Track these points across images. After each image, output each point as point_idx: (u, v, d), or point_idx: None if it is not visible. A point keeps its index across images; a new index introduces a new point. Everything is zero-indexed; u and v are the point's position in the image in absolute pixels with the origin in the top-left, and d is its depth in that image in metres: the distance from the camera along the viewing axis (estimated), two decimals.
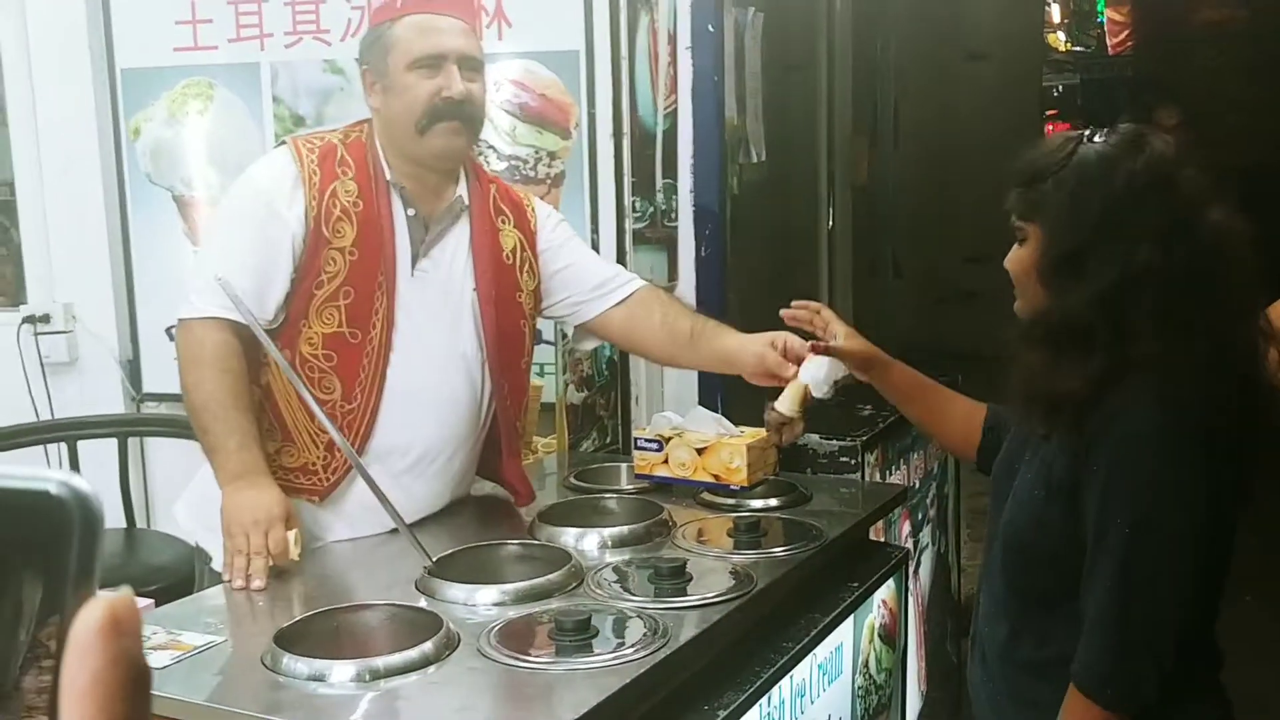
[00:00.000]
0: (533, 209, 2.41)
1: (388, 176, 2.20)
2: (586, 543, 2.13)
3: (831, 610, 2.10)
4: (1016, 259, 1.77)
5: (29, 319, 3.63)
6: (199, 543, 2.29)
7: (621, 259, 3.19)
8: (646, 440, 2.46)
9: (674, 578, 1.90)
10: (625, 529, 2.17)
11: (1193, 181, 1.65)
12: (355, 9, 3.29)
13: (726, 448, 2.37)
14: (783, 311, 2.24)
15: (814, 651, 2.02)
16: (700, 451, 2.39)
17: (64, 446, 3.31)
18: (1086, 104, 9.20)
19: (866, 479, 3.04)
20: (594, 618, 1.71)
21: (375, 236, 2.16)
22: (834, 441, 3.04)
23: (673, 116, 3.39)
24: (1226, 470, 1.64)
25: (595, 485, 2.53)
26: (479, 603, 1.86)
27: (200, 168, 3.56)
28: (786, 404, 2.19)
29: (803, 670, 1.98)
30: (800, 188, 5.15)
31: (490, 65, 3.23)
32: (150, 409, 3.62)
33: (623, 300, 2.41)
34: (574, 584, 1.92)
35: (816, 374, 2.17)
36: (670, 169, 3.40)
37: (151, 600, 2.01)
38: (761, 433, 2.41)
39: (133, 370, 3.65)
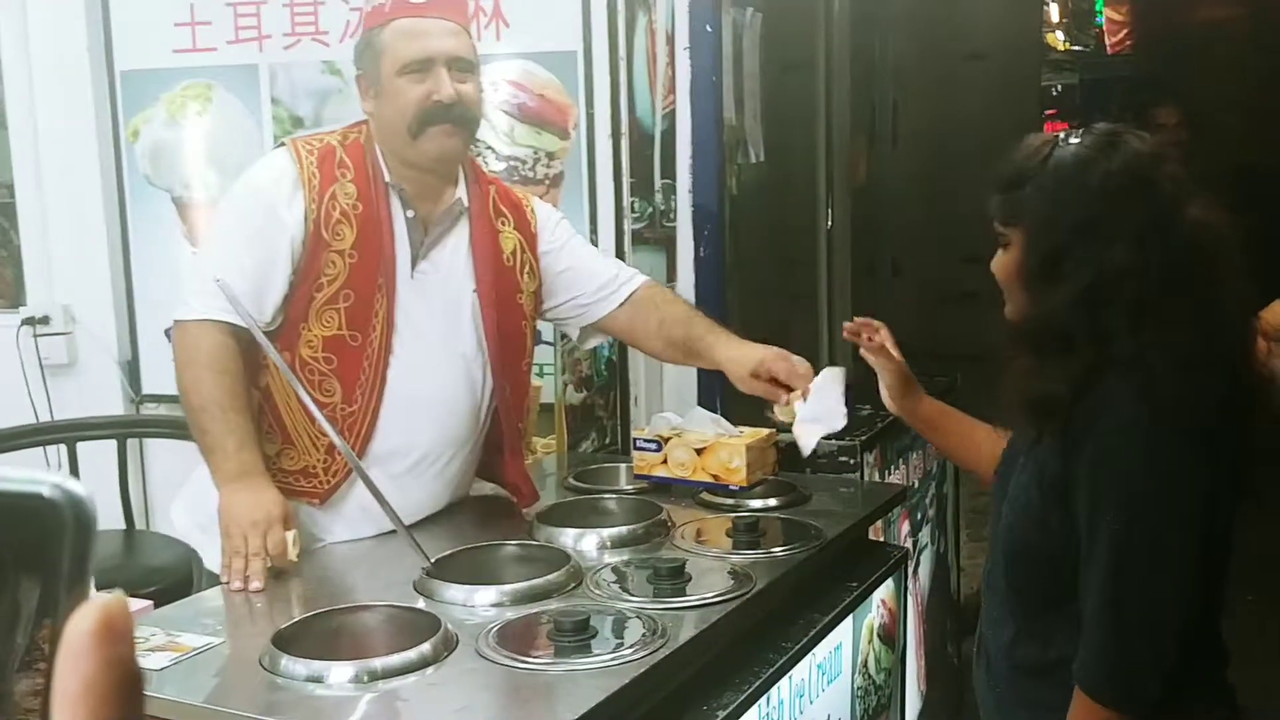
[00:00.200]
0: (532, 210, 2.40)
1: (386, 178, 2.20)
2: (585, 543, 2.13)
3: (831, 610, 2.10)
4: (1001, 264, 1.78)
5: (28, 320, 3.63)
6: (195, 544, 2.29)
7: (620, 260, 3.19)
8: (645, 441, 2.46)
9: (673, 578, 1.90)
10: (624, 529, 2.17)
11: (1171, 179, 1.65)
12: (354, 10, 3.29)
13: (725, 448, 2.37)
14: (845, 326, 2.24)
15: (813, 652, 2.02)
16: (699, 452, 2.39)
17: (63, 448, 3.31)
18: (1085, 103, 9.19)
19: (865, 479, 3.03)
20: (593, 618, 1.71)
21: (375, 239, 2.16)
22: (833, 441, 3.04)
23: (671, 117, 3.39)
24: (1218, 465, 1.64)
25: (594, 486, 2.53)
26: (478, 603, 1.86)
27: (199, 169, 3.56)
28: (785, 414, 2.23)
29: (802, 670, 1.98)
30: (799, 188, 5.14)
31: (488, 66, 3.24)
32: (149, 410, 3.62)
33: (626, 300, 2.42)
34: (573, 585, 1.92)
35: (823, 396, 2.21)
36: (669, 169, 3.40)
37: (150, 602, 2.01)
38: (761, 433, 2.41)
39: (132, 371, 3.65)
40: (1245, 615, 1.82)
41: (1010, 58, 8.01)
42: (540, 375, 2.98)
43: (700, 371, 3.12)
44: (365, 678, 1.60)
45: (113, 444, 3.35)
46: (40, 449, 3.34)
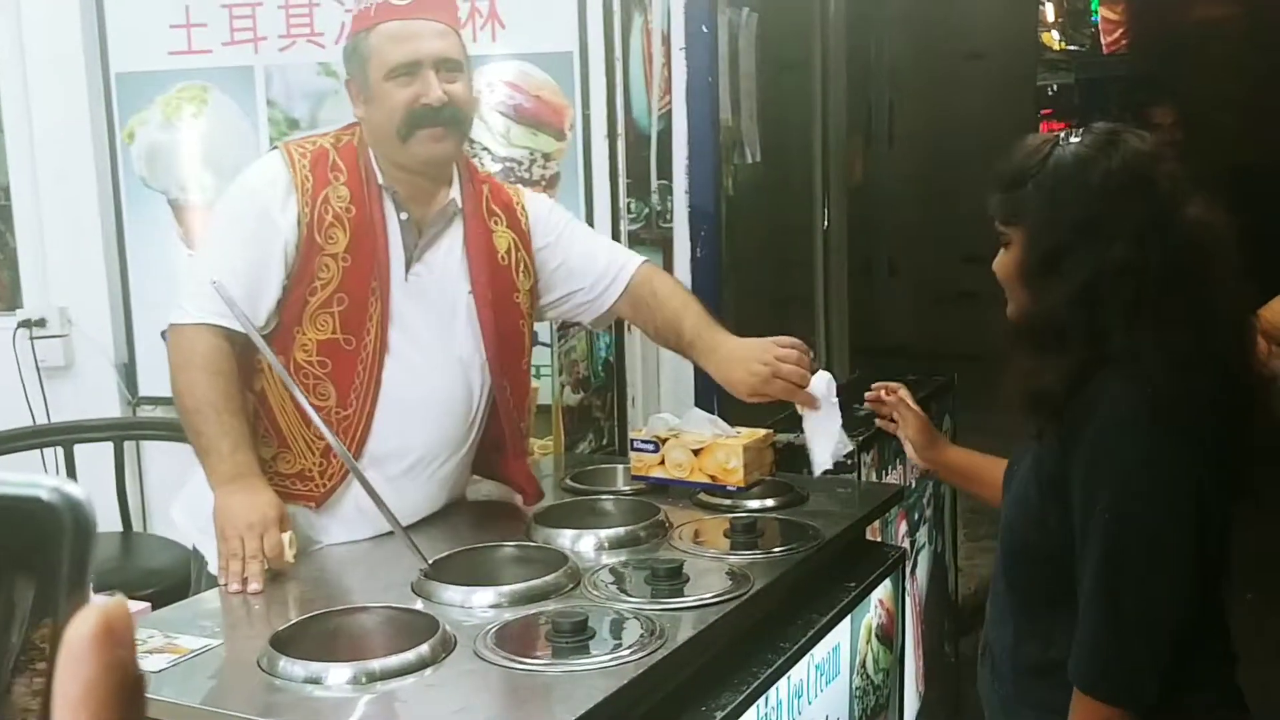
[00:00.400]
0: (523, 207, 2.38)
1: (380, 181, 2.20)
2: (583, 544, 2.12)
3: (829, 610, 2.10)
4: (1001, 264, 1.79)
5: (25, 323, 3.63)
6: (195, 545, 2.29)
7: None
8: (643, 441, 2.46)
9: (671, 579, 1.90)
10: (622, 530, 2.17)
11: (1170, 178, 1.66)
12: (349, 12, 3.27)
13: (723, 448, 2.37)
14: (867, 396, 2.29)
15: (811, 652, 2.02)
16: (697, 452, 2.39)
17: (60, 450, 3.31)
18: (1081, 103, 9.21)
19: (863, 479, 3.03)
20: (591, 619, 1.70)
21: (368, 242, 2.16)
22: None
23: (667, 118, 3.40)
24: (1211, 463, 1.64)
25: (592, 487, 2.53)
26: (475, 605, 1.85)
27: (195, 171, 3.56)
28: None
29: (800, 671, 1.98)
30: (795, 188, 5.14)
31: (484, 67, 3.25)
32: (146, 412, 3.62)
33: (624, 292, 2.41)
34: (571, 585, 1.91)
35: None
36: (665, 170, 3.41)
37: (148, 604, 2.01)
38: (758, 433, 2.41)
39: (128, 374, 3.65)
40: (1244, 614, 1.82)
41: (1006, 57, 8.03)
42: (537, 377, 2.98)
43: (697, 372, 3.12)
44: (363, 679, 1.60)
45: (109, 446, 3.35)
46: (37, 451, 3.34)
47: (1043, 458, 1.73)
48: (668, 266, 3.40)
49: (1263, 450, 1.69)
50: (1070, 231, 1.65)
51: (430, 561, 1.97)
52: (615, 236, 3.24)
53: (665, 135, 3.40)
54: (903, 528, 3.22)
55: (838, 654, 2.14)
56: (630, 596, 1.88)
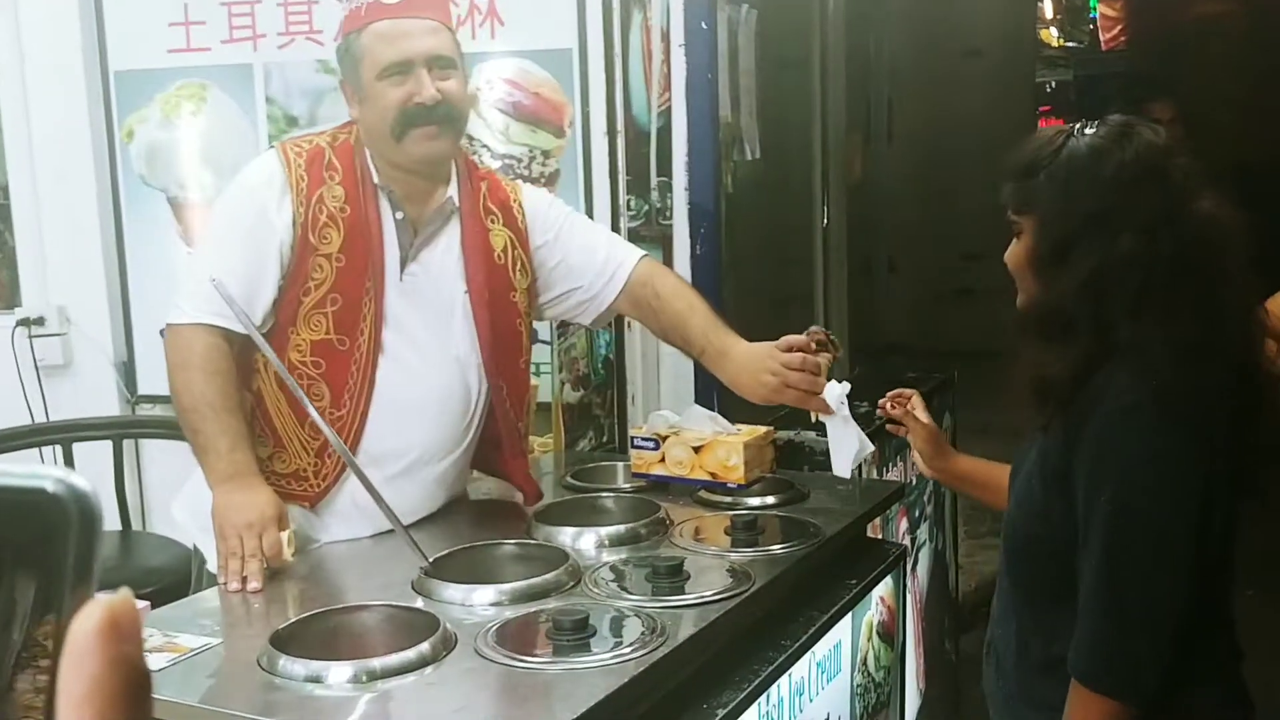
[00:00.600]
0: (520, 204, 2.36)
1: (375, 180, 2.19)
2: (584, 542, 2.12)
3: (830, 608, 2.10)
4: (1013, 254, 1.79)
5: (23, 321, 3.63)
6: (195, 543, 2.29)
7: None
8: (643, 439, 2.46)
9: (671, 576, 1.89)
10: (622, 528, 2.16)
11: (1183, 171, 1.66)
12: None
13: (723, 446, 2.36)
14: (880, 404, 2.28)
15: (812, 649, 2.01)
16: (697, 450, 2.39)
17: (59, 449, 3.31)
18: (1080, 100, 9.21)
19: (863, 476, 3.03)
20: (591, 617, 1.70)
21: (363, 242, 2.15)
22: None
23: (667, 114, 3.39)
24: (1215, 456, 1.64)
25: (592, 484, 2.52)
26: (476, 603, 1.85)
27: (194, 169, 3.55)
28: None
29: (801, 668, 1.97)
30: (795, 185, 5.14)
31: (483, 64, 3.25)
32: (145, 411, 3.62)
33: (623, 289, 2.38)
34: (571, 583, 1.91)
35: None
36: (665, 167, 3.40)
37: (147, 603, 2.01)
38: (759, 430, 2.41)
39: (127, 372, 3.65)
40: (1246, 611, 1.82)
41: (1005, 55, 8.03)
42: (537, 374, 2.98)
43: (697, 369, 3.12)
44: (364, 678, 1.60)
45: (109, 445, 3.35)
46: (36, 450, 3.34)
47: (1047, 451, 1.72)
48: (668, 263, 3.39)
49: (1269, 449, 1.68)
50: (1081, 221, 1.65)
51: (430, 559, 1.97)
52: (615, 234, 3.23)
53: (665, 132, 3.39)
54: (903, 525, 3.21)
55: (839, 651, 2.14)
56: (631, 594, 1.88)
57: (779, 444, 2.51)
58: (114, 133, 3.56)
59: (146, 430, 3.47)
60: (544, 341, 3.03)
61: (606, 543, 2.12)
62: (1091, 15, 9.42)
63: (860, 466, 3.01)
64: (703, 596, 1.85)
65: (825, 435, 2.31)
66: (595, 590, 1.89)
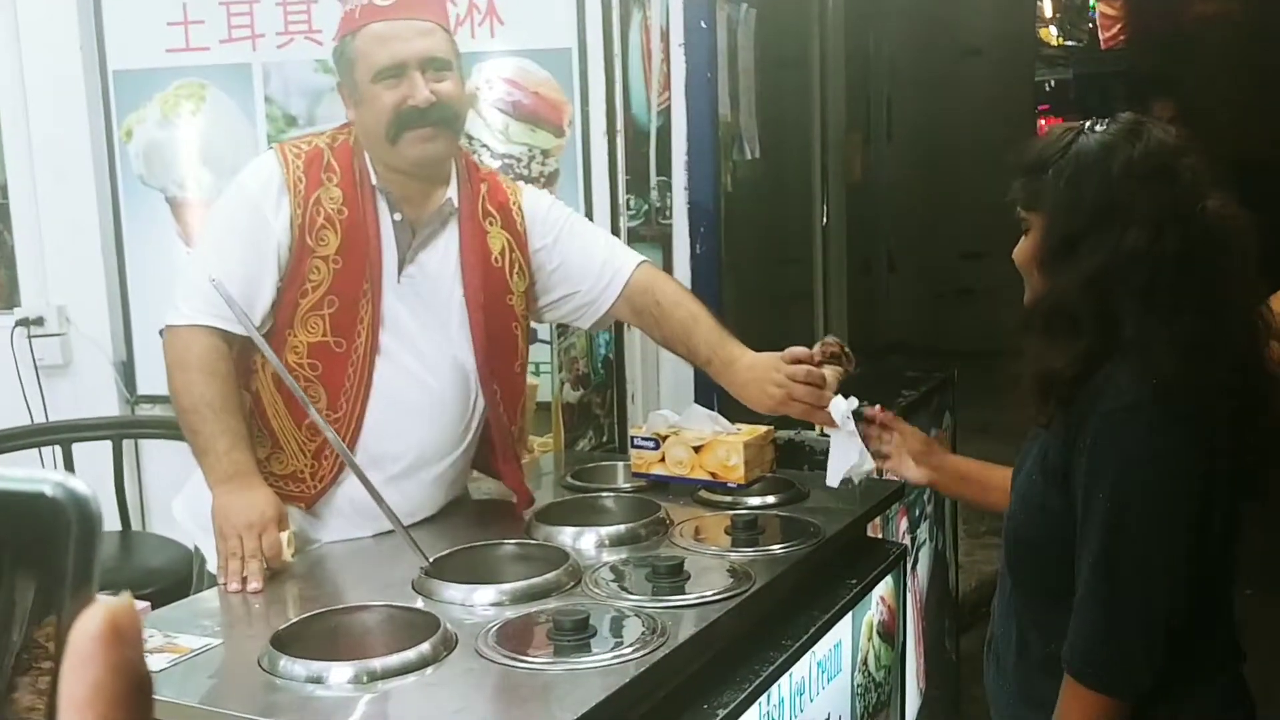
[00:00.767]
0: (519, 206, 2.34)
1: (374, 181, 2.18)
2: (584, 542, 2.12)
3: (830, 608, 2.10)
4: (1021, 250, 1.79)
5: (22, 321, 3.62)
6: (196, 542, 2.29)
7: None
8: (643, 439, 2.46)
9: (672, 576, 1.89)
10: (622, 528, 2.16)
11: (1191, 170, 1.66)
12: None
13: (723, 445, 2.36)
14: (866, 413, 2.24)
15: (813, 649, 2.01)
16: (697, 449, 2.39)
17: (58, 449, 3.30)
18: (1079, 99, 9.22)
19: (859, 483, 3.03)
20: (592, 617, 1.70)
21: (360, 244, 2.15)
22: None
23: (666, 114, 3.39)
24: (1216, 453, 1.64)
25: (592, 484, 2.52)
26: (476, 603, 1.85)
27: (193, 169, 3.55)
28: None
29: (802, 668, 1.97)
30: (794, 184, 5.14)
31: (483, 63, 3.24)
32: (145, 411, 3.61)
33: (621, 293, 2.36)
34: (571, 583, 1.91)
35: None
36: (664, 166, 3.40)
37: (148, 603, 2.00)
38: (759, 430, 2.40)
39: (127, 372, 3.65)
40: (1245, 611, 1.82)
41: (1004, 53, 8.04)
42: (537, 373, 2.98)
43: (697, 369, 3.12)
44: (364, 678, 1.60)
45: (108, 445, 3.34)
46: (35, 450, 3.34)
47: (1048, 447, 1.73)
48: (667, 263, 3.40)
49: (1270, 449, 1.68)
50: (1088, 217, 1.66)
51: (431, 559, 1.97)
52: (615, 233, 3.23)
53: (664, 131, 3.39)
54: (903, 524, 3.21)
55: (839, 651, 2.14)
56: (631, 594, 1.88)
57: (779, 444, 2.51)
58: (113, 132, 3.56)
59: (146, 430, 3.46)
60: (544, 341, 3.02)
61: (607, 543, 2.12)
62: (1091, 14, 9.42)
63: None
64: (703, 596, 1.85)
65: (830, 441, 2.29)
66: (595, 590, 1.89)
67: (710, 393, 3.13)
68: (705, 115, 3.45)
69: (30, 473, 0.42)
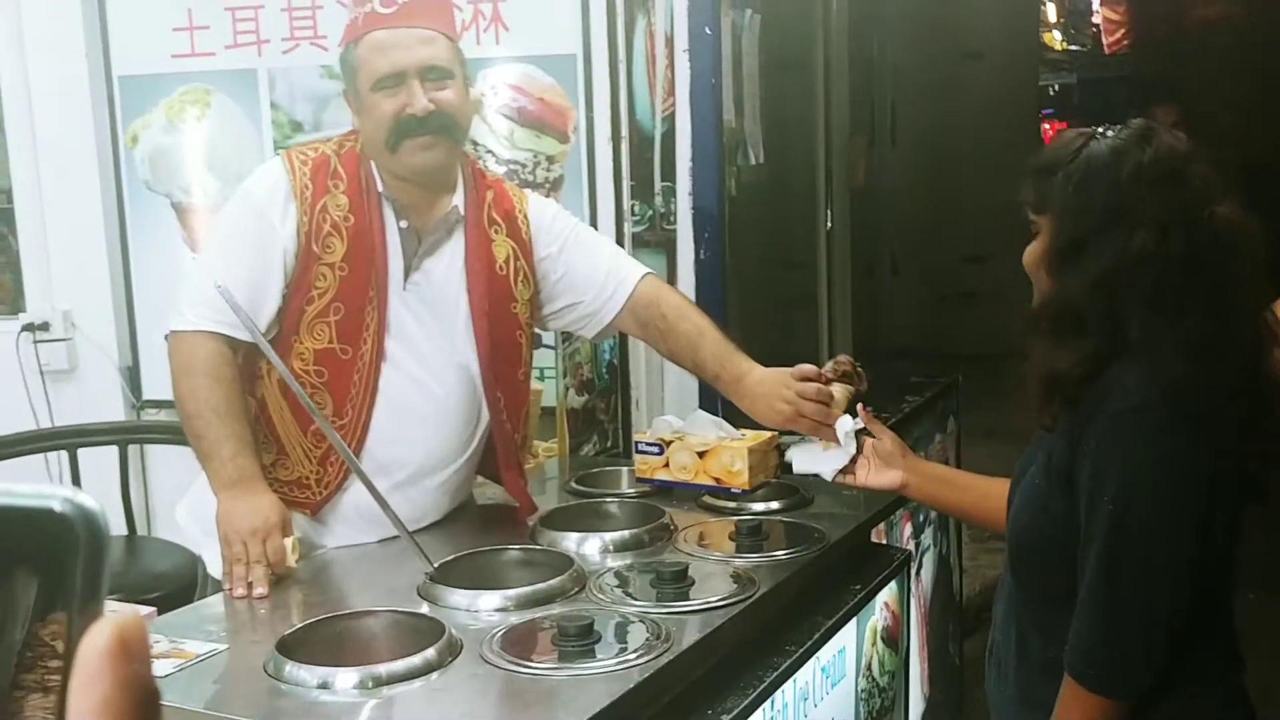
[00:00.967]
0: (525, 215, 2.34)
1: (380, 189, 2.19)
2: (588, 547, 2.12)
3: (834, 613, 2.10)
4: (1030, 253, 1.79)
5: (28, 327, 3.63)
6: (200, 548, 2.29)
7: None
8: (647, 444, 2.46)
9: (676, 582, 1.89)
10: (627, 533, 2.17)
11: (1201, 176, 1.66)
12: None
13: (728, 451, 2.36)
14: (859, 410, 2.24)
15: (817, 655, 2.02)
16: (701, 455, 2.39)
17: (64, 455, 3.31)
18: (1083, 103, 9.22)
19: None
20: (596, 623, 1.70)
21: (366, 251, 2.15)
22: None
23: (671, 119, 3.39)
24: (1224, 457, 1.64)
25: (596, 489, 2.53)
26: (481, 608, 1.85)
27: (198, 174, 3.56)
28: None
29: (806, 673, 1.98)
30: (798, 189, 5.14)
31: (487, 70, 3.25)
32: (150, 416, 3.62)
33: (625, 304, 2.36)
34: (576, 589, 1.91)
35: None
36: (669, 172, 3.40)
37: (153, 608, 2.01)
38: (763, 435, 2.40)
39: (132, 377, 3.65)
40: (1246, 615, 1.82)
41: (1008, 58, 8.03)
42: (541, 379, 2.98)
43: None
44: (370, 684, 1.60)
45: (114, 450, 3.35)
46: (41, 456, 3.34)
47: (1053, 449, 1.73)
48: (672, 268, 3.40)
49: (1275, 452, 1.69)
50: (1096, 219, 1.66)
51: (436, 565, 1.97)
52: (619, 239, 3.24)
53: (669, 137, 3.39)
54: (907, 530, 3.21)
55: (844, 657, 2.14)
56: (636, 600, 1.88)
57: (783, 449, 2.51)
58: (118, 138, 3.56)
59: (152, 435, 3.47)
60: (549, 346, 3.03)
61: (611, 548, 2.12)
62: (1094, 18, 9.42)
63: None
64: (707, 602, 1.85)
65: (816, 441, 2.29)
66: (600, 596, 1.89)
67: (714, 398, 3.13)
68: (710, 121, 3.45)
69: (39, 488, 0.42)
